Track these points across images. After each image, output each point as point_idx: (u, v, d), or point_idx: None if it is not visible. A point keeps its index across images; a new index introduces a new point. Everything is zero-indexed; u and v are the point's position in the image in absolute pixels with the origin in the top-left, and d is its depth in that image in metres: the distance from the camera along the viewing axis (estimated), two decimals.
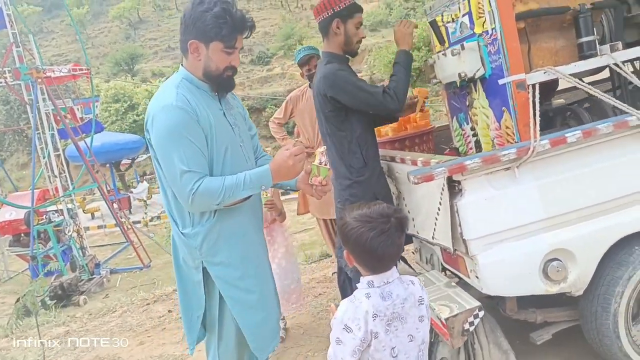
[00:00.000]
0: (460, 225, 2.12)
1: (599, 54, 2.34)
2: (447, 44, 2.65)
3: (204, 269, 2.08)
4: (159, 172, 2.07)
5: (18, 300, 6.75)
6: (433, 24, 2.60)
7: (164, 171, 2.00)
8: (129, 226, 12.92)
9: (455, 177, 2.10)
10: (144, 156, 24.39)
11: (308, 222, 10.27)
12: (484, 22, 2.30)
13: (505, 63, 2.22)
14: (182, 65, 2.09)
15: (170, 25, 49.24)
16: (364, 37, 2.56)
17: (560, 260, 2.17)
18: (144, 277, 10.15)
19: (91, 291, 9.37)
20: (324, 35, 2.54)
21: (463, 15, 2.44)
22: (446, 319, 2.11)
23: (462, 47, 2.38)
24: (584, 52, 2.36)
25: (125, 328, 4.44)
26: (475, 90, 2.52)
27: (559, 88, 3.01)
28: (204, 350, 2.25)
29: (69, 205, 12.00)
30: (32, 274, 10.48)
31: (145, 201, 19.55)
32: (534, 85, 2.21)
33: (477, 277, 2.18)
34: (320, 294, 4.23)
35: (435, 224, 2.30)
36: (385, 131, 3.24)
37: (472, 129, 2.66)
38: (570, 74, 2.27)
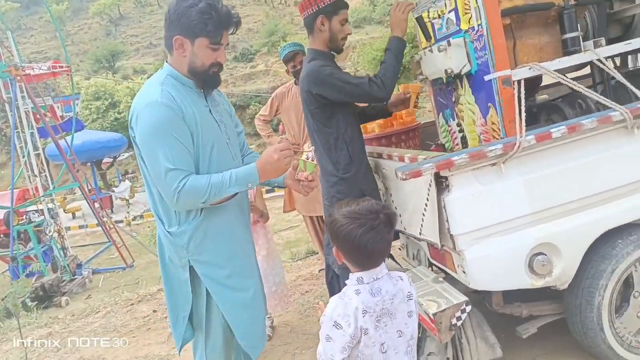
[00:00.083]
0: (447, 220, 2.13)
1: (582, 50, 2.36)
2: (433, 40, 2.66)
3: (190, 267, 2.06)
4: (143, 171, 2.04)
5: None
6: (419, 20, 2.60)
7: (149, 169, 1.97)
8: (111, 226, 12.74)
9: (442, 173, 2.11)
10: (126, 154, 24.08)
11: (293, 219, 10.25)
12: (470, 19, 2.30)
13: (491, 59, 2.23)
14: (166, 61, 2.06)
15: (151, 21, 48.66)
16: (349, 34, 2.55)
17: (546, 255, 2.19)
18: (127, 277, 10.02)
19: (73, 292, 9.22)
20: (309, 31, 2.52)
21: (449, 12, 2.45)
22: (434, 314, 2.13)
23: (449, 44, 2.39)
24: (568, 48, 2.39)
25: (109, 329, 4.38)
26: (462, 87, 2.53)
27: (542, 84, 3.05)
28: (190, 350, 2.23)
29: (50, 205, 11.79)
30: (12, 276, 10.29)
31: (128, 200, 19.32)
32: (519, 81, 2.23)
33: (464, 272, 2.20)
34: (306, 292, 4.22)
35: (423, 220, 2.30)
36: (372, 128, 3.24)
37: (458, 125, 2.68)
38: (554, 70, 2.29)
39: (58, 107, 14.78)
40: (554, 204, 2.18)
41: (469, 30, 2.34)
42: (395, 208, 2.60)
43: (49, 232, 10.60)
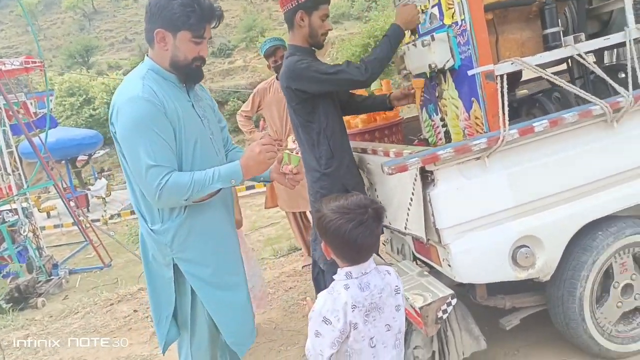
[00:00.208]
0: (433, 214, 2.14)
1: (563, 45, 2.39)
2: (416, 35, 2.66)
3: (174, 265, 2.03)
4: (124, 167, 2.00)
5: None
6: None
7: (130, 166, 1.93)
8: (88, 225, 12.49)
9: (428, 168, 2.11)
10: (102, 152, 23.64)
11: (274, 216, 10.21)
12: (453, 14, 2.31)
13: (475, 54, 2.24)
14: (147, 55, 2.02)
15: (126, 16, 47.73)
16: (330, 30, 2.53)
17: (529, 247, 2.22)
18: (105, 276, 9.84)
19: (50, 293, 9.01)
20: (289, 27, 2.50)
21: (432, 7, 2.45)
22: (420, 308, 2.14)
23: (432, 38, 2.39)
24: (549, 43, 2.42)
25: (89, 329, 4.30)
26: (445, 81, 2.54)
27: (522, 79, 3.08)
28: (174, 349, 2.19)
29: (24, 204, 11.50)
30: None
31: (104, 198, 18.97)
32: (502, 76, 2.25)
33: (449, 266, 2.21)
34: (290, 288, 4.20)
35: (408, 214, 2.31)
36: (355, 123, 3.24)
37: (442, 119, 2.69)
38: (536, 65, 2.31)
39: (31, 103, 14.38)
40: (536, 197, 2.21)
41: (452, 25, 2.34)
42: (380, 203, 2.60)
43: (24, 232, 10.34)
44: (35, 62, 13.54)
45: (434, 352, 2.35)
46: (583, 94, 2.25)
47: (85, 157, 21.62)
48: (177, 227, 1.98)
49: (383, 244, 3.31)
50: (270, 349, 3.23)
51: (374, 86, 3.44)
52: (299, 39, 2.49)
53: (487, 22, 2.28)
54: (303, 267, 4.58)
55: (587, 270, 2.27)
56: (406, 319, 2.20)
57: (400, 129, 3.30)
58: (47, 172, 12.23)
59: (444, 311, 2.17)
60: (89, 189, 20.14)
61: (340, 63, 2.44)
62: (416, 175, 2.15)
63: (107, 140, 21.60)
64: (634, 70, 2.33)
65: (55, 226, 17.09)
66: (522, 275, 2.23)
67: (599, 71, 2.33)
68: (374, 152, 2.53)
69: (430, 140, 2.93)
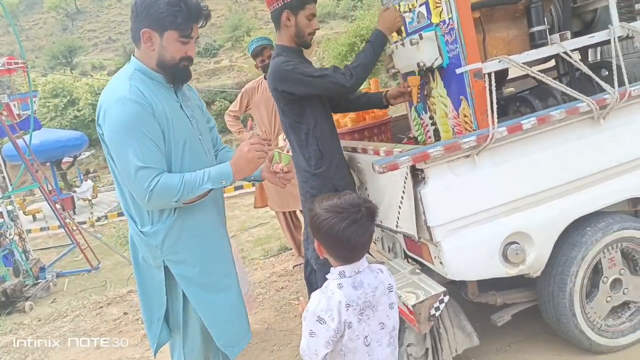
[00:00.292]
0: (424, 212, 2.15)
1: (549, 42, 2.41)
2: (404, 34, 2.67)
3: (165, 267, 2.01)
4: (113, 169, 1.98)
5: None
6: None
7: (118, 168, 1.91)
8: (74, 227, 12.34)
9: (418, 166, 2.12)
10: (87, 154, 23.35)
11: (263, 216, 10.18)
12: (440, 12, 2.32)
13: (463, 52, 2.25)
14: (133, 55, 2.00)
15: (110, 16, 47.23)
16: (317, 29, 2.53)
17: (519, 243, 2.24)
18: (93, 279, 9.73)
19: (37, 296, 8.88)
20: (276, 27, 2.49)
21: (420, 5, 2.46)
22: (413, 306, 2.15)
23: (420, 37, 2.40)
24: (535, 41, 2.44)
25: (79, 333, 4.24)
26: (434, 80, 2.55)
27: (508, 77, 3.10)
28: (165, 351, 2.17)
29: (9, 207, 11.32)
30: None
31: (91, 200, 18.76)
32: (489, 74, 2.26)
33: (441, 263, 2.22)
34: (282, 288, 4.19)
35: (399, 213, 2.31)
36: (344, 122, 3.24)
37: (431, 118, 2.70)
38: (523, 63, 2.33)
39: (15, 105, 14.16)
40: (525, 194, 2.23)
41: (440, 24, 2.35)
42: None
43: (10, 236, 10.19)
44: (17, 63, 13.33)
45: (427, 349, 2.36)
46: (570, 91, 2.27)
47: (70, 159, 21.35)
48: (167, 229, 1.97)
49: (374, 242, 3.32)
50: (263, 349, 3.21)
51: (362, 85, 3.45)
52: (285, 39, 2.48)
53: (474, 21, 2.29)
54: (294, 266, 4.57)
55: (576, 266, 2.29)
56: (399, 316, 2.22)
57: (389, 128, 3.31)
58: (32, 175, 12.06)
59: (437, 308, 2.18)
60: (75, 191, 19.90)
61: (328, 67, 2.44)
62: (407, 174, 2.16)
63: (92, 141, 21.36)
64: (618, 67, 2.35)
65: (42, 229, 16.86)
66: (513, 271, 2.25)
67: (585, 68, 2.36)
68: (364, 151, 2.53)
69: (419, 138, 2.94)
